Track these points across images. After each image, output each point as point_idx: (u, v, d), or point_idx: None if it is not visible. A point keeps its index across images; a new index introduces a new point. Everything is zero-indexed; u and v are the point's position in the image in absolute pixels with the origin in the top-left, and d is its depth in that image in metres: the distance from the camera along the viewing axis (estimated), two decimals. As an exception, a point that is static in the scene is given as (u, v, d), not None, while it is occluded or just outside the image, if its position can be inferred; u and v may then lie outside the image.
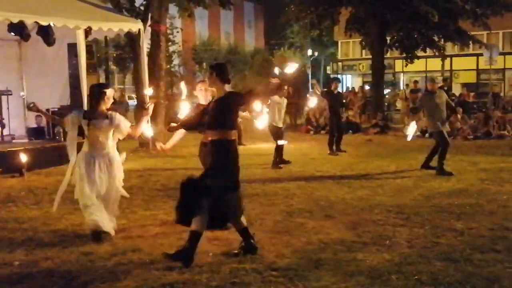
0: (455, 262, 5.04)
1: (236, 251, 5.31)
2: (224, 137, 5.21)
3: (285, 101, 11.83)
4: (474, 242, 5.70)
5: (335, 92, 13.51)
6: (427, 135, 16.35)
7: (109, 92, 6.01)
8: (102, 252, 5.48)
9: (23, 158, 9.98)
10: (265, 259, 5.19)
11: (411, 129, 10.85)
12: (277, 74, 6.24)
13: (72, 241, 5.88)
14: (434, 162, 10.22)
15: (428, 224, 6.41)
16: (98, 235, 5.83)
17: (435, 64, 32.01)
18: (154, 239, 5.90)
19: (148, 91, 10.27)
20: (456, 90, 29.60)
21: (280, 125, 11.59)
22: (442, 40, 23.20)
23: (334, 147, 13.23)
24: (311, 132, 19.13)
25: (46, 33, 11.15)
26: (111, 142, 6.04)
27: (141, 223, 6.67)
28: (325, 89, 14.80)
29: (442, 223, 6.45)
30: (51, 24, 10.87)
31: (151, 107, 6.13)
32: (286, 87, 11.95)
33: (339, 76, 42.56)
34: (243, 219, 5.38)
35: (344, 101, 15.67)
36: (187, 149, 14.48)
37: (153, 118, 14.59)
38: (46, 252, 5.53)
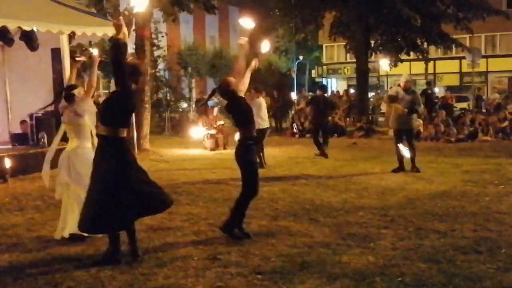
0: (438, 263, 5.10)
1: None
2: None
3: (263, 101, 11.86)
4: (457, 243, 5.76)
5: (321, 97, 13.59)
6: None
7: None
8: (86, 257, 5.46)
9: (7, 163, 9.89)
10: (250, 262, 5.21)
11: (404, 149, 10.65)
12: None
13: (56, 247, 5.85)
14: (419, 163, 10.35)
15: (412, 226, 6.47)
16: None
17: (418, 67, 32.26)
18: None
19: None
20: (440, 93, 29.90)
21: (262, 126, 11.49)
22: (425, 43, 23.39)
23: (321, 146, 13.19)
24: (296, 136, 19.19)
25: (29, 38, 11.08)
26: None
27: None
28: (312, 95, 14.84)
29: (425, 225, 6.52)
30: (35, 29, 10.81)
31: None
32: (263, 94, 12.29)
33: (323, 80, 42.84)
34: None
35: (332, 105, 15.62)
36: (172, 154, 14.50)
37: (138, 122, 14.56)
38: (30, 258, 5.50)
